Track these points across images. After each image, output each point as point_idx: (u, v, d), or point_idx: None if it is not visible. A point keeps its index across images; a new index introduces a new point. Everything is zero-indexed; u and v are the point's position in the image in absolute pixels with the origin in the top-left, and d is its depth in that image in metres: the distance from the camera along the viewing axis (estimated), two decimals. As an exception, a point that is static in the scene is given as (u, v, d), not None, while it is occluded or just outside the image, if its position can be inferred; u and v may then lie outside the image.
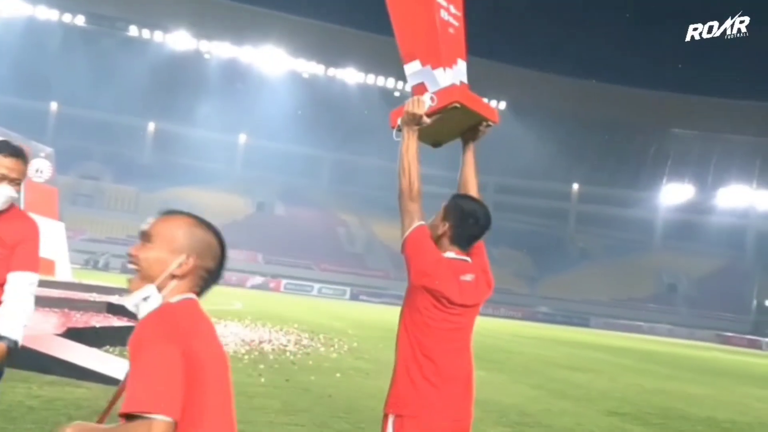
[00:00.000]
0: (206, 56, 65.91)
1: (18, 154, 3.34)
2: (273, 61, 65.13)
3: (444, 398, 2.83)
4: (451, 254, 2.96)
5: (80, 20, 60.96)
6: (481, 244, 3.12)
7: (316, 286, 56.62)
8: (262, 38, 62.64)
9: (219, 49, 64.98)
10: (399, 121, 3.09)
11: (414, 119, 3.03)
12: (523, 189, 75.70)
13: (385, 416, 2.88)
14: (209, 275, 2.02)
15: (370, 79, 66.88)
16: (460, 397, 2.90)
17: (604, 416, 9.44)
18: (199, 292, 2.02)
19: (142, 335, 1.83)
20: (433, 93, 3.08)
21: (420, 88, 3.14)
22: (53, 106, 66.82)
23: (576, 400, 10.70)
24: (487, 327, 30.02)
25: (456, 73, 3.18)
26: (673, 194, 77.09)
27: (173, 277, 1.95)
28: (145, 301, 1.94)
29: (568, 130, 72.56)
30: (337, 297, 54.91)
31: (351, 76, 67.82)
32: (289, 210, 68.68)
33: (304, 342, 14.48)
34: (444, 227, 2.98)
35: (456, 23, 3.28)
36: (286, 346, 13.27)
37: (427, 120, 3.05)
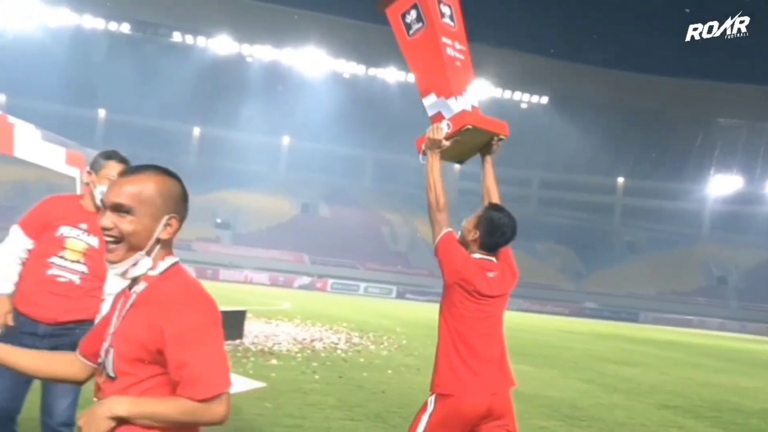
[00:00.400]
0: (248, 60, 66.64)
1: (126, 161, 3.78)
2: (314, 62, 65.54)
3: (481, 377, 3.30)
4: (478, 255, 3.46)
5: (125, 28, 62.06)
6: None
7: (362, 285, 56.86)
8: (303, 40, 63.02)
9: (260, 53, 65.61)
10: (423, 147, 3.60)
11: (435, 144, 3.54)
12: (567, 183, 74.97)
13: (431, 395, 3.40)
14: (183, 222, 2.01)
15: (411, 77, 66.78)
16: (495, 374, 3.37)
17: (655, 409, 9.46)
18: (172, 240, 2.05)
19: (190, 321, 1.85)
20: (449, 120, 3.59)
21: (438, 117, 3.64)
22: (101, 113, 68.07)
23: (627, 394, 10.71)
24: (534, 323, 29.94)
25: (467, 100, 3.68)
26: (721, 185, 75.60)
27: (159, 240, 1.95)
28: (134, 266, 1.94)
29: (611, 122, 71.74)
30: (383, 296, 55.16)
31: (392, 75, 67.94)
32: (333, 210, 69.07)
33: (354, 340, 14.71)
34: (474, 235, 3.46)
35: (462, 57, 3.79)
36: (336, 344, 13.50)
37: (446, 143, 3.55)
